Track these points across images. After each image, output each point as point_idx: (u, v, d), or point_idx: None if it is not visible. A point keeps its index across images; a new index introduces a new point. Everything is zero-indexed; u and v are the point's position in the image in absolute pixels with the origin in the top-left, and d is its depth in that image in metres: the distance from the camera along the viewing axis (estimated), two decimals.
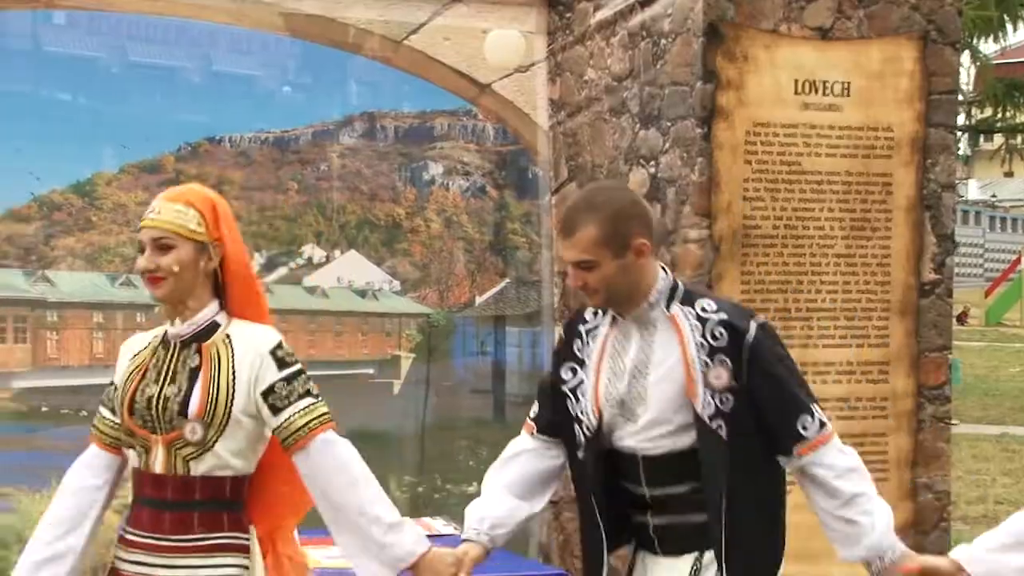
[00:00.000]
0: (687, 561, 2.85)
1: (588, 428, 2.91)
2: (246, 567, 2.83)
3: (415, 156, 6.96)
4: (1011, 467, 11.76)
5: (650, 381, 2.83)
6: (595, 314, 2.98)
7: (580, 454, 2.95)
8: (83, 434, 3.04)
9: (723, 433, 2.78)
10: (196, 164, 6.79)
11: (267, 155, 6.86)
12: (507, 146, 6.82)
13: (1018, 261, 31.87)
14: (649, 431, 2.84)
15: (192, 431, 2.76)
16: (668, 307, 2.87)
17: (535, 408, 3.10)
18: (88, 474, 2.93)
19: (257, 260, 6.95)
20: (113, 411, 2.93)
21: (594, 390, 2.90)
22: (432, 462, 6.30)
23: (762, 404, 2.82)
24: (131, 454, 2.88)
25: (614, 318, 2.94)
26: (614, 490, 2.94)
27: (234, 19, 5.64)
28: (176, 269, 2.81)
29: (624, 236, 2.81)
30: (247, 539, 2.85)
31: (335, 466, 2.83)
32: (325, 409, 2.87)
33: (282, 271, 7.01)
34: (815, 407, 2.87)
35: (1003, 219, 44.25)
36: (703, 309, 2.85)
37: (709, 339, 2.81)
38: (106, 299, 6.62)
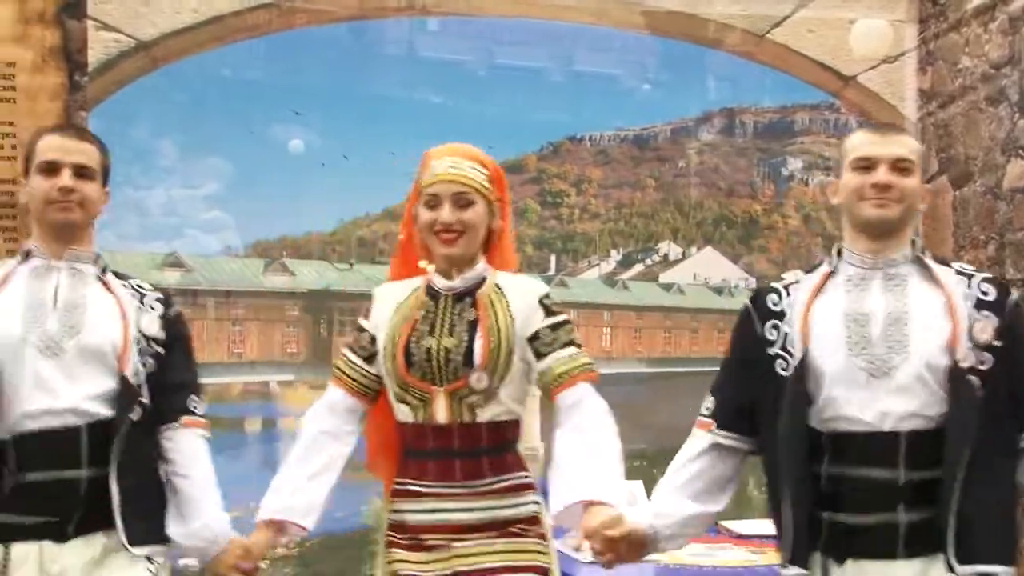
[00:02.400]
0: (939, 563, 2.45)
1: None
2: (538, 502, 2.85)
3: (774, 151, 6.85)
4: None
5: (912, 328, 2.53)
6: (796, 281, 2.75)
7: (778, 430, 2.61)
8: None
9: (977, 392, 2.47)
10: (557, 163, 6.97)
11: (626, 153, 6.93)
12: None
13: None
14: (913, 393, 2.49)
15: (478, 379, 2.77)
16: (925, 263, 2.64)
17: (710, 404, 2.79)
18: (336, 420, 2.91)
19: (614, 257, 7.05)
20: (368, 359, 2.90)
21: (802, 330, 2.60)
22: None
23: None
24: (401, 409, 2.84)
25: (831, 272, 2.68)
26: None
27: (596, 18, 5.73)
28: (476, 225, 2.83)
29: (924, 170, 2.74)
30: (532, 477, 2.87)
31: (588, 411, 2.78)
32: (589, 360, 2.85)
33: (639, 267, 7.07)
34: None
35: None
36: (961, 267, 2.65)
37: (977, 292, 2.56)
38: None
